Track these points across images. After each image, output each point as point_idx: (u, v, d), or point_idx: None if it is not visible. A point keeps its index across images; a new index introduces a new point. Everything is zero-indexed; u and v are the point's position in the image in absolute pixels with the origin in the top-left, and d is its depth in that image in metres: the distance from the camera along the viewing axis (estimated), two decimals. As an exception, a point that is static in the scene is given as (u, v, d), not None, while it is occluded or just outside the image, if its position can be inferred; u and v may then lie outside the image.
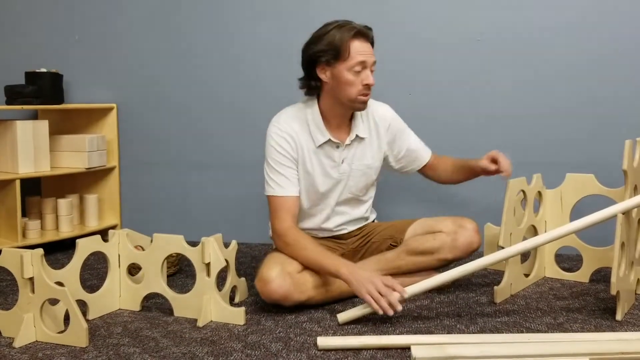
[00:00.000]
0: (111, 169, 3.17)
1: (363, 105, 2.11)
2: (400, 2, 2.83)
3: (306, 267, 2.04)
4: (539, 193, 2.38)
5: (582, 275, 2.39)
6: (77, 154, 2.98)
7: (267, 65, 2.98)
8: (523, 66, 2.76)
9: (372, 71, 2.08)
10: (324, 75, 2.08)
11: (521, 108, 2.78)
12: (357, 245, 2.33)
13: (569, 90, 2.73)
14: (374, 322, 1.94)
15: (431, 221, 2.25)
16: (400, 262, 2.19)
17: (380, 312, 1.87)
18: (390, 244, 2.26)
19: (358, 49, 2.03)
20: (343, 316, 1.93)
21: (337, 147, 2.16)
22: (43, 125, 2.87)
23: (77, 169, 2.98)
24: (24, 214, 2.93)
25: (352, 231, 2.32)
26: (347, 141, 2.16)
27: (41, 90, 2.92)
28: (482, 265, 1.95)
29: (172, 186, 3.15)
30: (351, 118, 2.19)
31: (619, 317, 1.94)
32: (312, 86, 2.12)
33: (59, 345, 1.78)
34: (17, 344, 1.77)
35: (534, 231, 2.35)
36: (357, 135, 2.17)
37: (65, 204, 2.97)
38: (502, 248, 2.07)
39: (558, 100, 2.75)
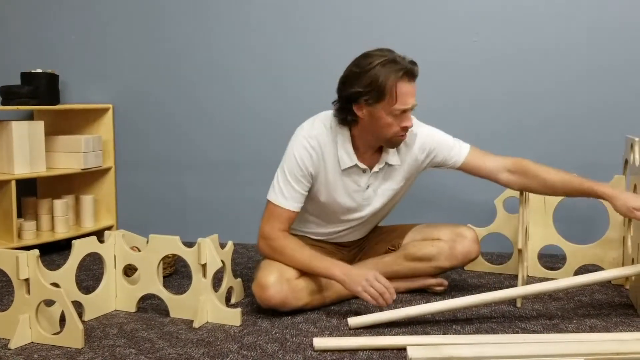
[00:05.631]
0: (107, 170, 3.16)
1: (399, 144, 2.02)
2: (400, 3, 2.84)
3: (299, 270, 2.01)
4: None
5: (565, 274, 2.39)
6: (73, 155, 2.97)
7: (267, 66, 2.98)
8: (514, 69, 2.76)
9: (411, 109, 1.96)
10: (360, 112, 1.94)
11: (506, 110, 2.79)
12: (356, 249, 2.32)
13: (553, 92, 2.74)
14: (370, 323, 1.95)
15: (430, 228, 2.22)
16: (398, 267, 2.18)
17: (376, 304, 1.92)
18: (389, 248, 2.25)
19: (404, 93, 1.89)
20: (354, 321, 1.91)
21: (364, 172, 2.06)
22: (39, 125, 2.86)
23: (73, 170, 2.97)
24: (19, 215, 2.92)
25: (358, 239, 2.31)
26: (376, 168, 2.06)
27: (37, 91, 2.91)
28: (492, 299, 1.94)
29: (168, 187, 3.15)
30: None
31: None
32: (347, 120, 1.99)
33: (54, 346, 1.78)
34: (13, 345, 1.77)
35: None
36: (386, 163, 2.08)
37: (61, 205, 2.97)
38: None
39: (540, 102, 2.75)
